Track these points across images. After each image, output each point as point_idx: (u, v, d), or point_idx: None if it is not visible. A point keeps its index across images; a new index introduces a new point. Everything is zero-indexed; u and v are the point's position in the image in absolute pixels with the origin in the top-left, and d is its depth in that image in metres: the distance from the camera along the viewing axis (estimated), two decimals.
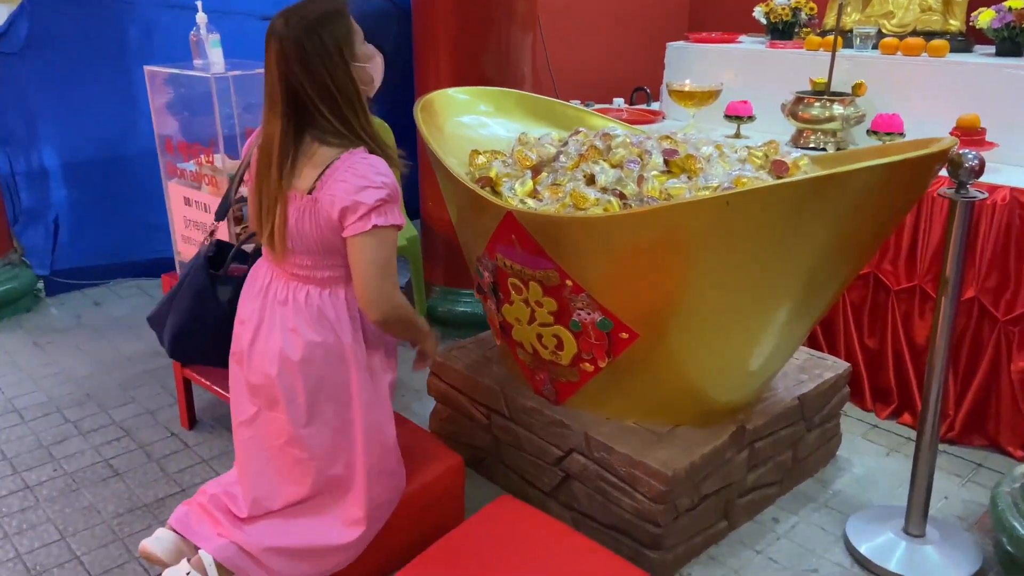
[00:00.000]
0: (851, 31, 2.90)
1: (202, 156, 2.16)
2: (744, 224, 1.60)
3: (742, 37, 3.35)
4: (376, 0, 2.94)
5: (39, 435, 2.43)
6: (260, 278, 1.66)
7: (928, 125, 2.55)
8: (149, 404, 2.61)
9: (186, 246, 2.34)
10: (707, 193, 1.78)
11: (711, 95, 3.01)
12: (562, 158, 2.07)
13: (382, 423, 1.68)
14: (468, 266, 2.17)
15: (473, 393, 2.21)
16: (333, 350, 1.59)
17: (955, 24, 2.79)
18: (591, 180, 1.94)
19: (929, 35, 2.79)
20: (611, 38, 3.91)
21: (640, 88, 3.74)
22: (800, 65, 2.92)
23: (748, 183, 1.79)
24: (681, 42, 3.33)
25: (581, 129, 2.28)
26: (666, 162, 1.95)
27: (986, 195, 1.68)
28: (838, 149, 2.71)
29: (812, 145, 2.74)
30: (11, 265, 3.30)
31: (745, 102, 2.92)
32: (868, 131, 2.64)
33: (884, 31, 2.88)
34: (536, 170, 2.08)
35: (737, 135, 2.96)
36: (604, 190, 1.87)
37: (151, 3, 3.26)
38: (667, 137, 2.04)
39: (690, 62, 3.25)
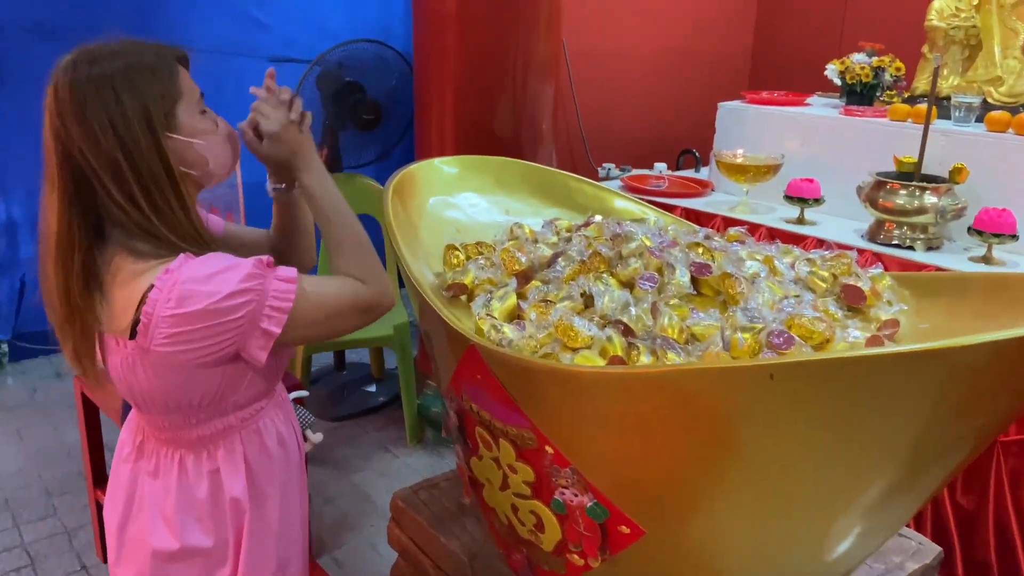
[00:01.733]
0: (949, 99, 2.35)
1: None
2: (800, 399, 1.08)
3: (811, 98, 2.82)
4: (371, 45, 2.54)
5: None
6: (128, 440, 1.22)
7: None
8: (69, 520, 2.19)
9: None
10: (748, 337, 1.27)
11: (769, 170, 2.49)
12: (560, 263, 1.58)
13: None
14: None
15: (437, 556, 1.71)
16: (216, 559, 1.15)
17: None
18: (590, 301, 1.44)
19: None
20: (657, 91, 3.42)
21: (688, 151, 3.24)
22: (883, 138, 2.38)
23: (808, 328, 1.27)
24: (736, 102, 2.82)
25: (595, 218, 1.80)
26: (694, 280, 1.44)
27: None
28: (929, 248, 2.15)
29: (896, 242, 2.19)
30: None
31: (811, 180, 2.39)
32: (969, 229, 2.08)
33: (990, 101, 2.32)
34: (524, 278, 1.60)
35: (800, 220, 2.42)
36: (604, 320, 1.37)
37: None
38: (699, 245, 1.54)
39: (745, 126, 2.74)
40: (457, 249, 1.70)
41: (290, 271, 1.08)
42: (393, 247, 1.60)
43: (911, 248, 2.17)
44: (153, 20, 3.09)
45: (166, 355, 1.02)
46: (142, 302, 1.00)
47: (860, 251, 1.77)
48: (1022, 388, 1.12)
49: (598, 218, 1.82)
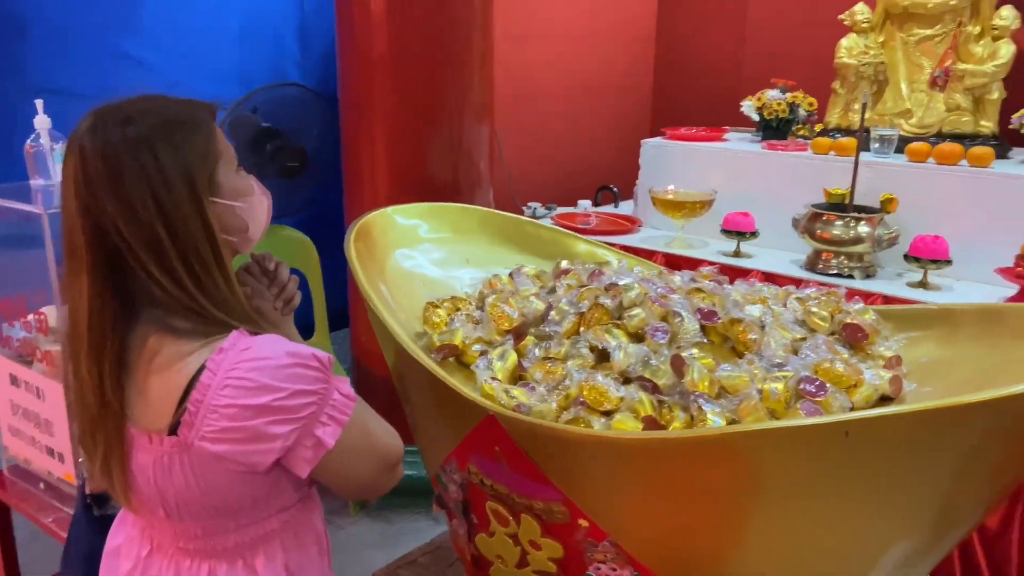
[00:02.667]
0: (867, 132, 2.47)
1: (32, 317, 1.50)
2: (865, 456, 1.04)
3: (728, 133, 2.90)
4: (290, 89, 2.38)
5: None
6: (129, 554, 1.03)
7: (980, 251, 2.10)
8: None
9: (16, 441, 1.64)
10: (780, 388, 1.23)
11: (703, 205, 2.52)
12: (553, 316, 1.50)
13: None
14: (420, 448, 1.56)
15: None
16: None
17: (988, 126, 2.39)
18: (602, 356, 1.36)
19: (957, 138, 2.37)
20: (571, 130, 3.43)
21: (606, 187, 3.25)
22: (807, 171, 2.47)
23: (837, 373, 1.25)
24: (657, 139, 2.86)
25: (565, 264, 1.73)
26: (702, 327, 1.40)
27: None
28: (867, 276, 2.23)
29: (834, 271, 2.26)
30: None
31: (746, 214, 2.44)
32: (906, 256, 2.17)
33: (903, 133, 2.46)
34: (518, 334, 1.50)
35: (737, 253, 2.46)
36: (624, 376, 1.29)
37: None
38: (699, 291, 1.50)
39: (669, 163, 2.77)
40: (438, 307, 1.59)
41: (348, 386, 0.97)
42: (370, 308, 1.47)
43: (850, 276, 2.24)
44: (15, 59, 2.74)
45: (212, 453, 0.86)
46: (189, 388, 0.86)
47: (804, 281, 1.79)
48: None
49: (566, 263, 1.75)
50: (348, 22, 2.29)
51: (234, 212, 0.96)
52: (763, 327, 1.38)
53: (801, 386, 1.24)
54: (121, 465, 0.92)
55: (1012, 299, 1.93)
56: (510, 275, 1.71)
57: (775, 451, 1.05)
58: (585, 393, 1.25)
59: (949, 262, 2.11)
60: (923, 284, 2.15)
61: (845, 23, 2.59)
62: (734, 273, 1.80)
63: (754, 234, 2.43)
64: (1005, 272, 2.00)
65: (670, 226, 2.70)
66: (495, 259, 1.92)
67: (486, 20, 2.27)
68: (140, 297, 0.91)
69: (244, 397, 0.86)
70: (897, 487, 1.12)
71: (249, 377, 0.86)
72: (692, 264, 2.27)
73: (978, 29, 2.40)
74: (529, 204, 3.00)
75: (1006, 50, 2.34)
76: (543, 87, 3.23)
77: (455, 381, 1.34)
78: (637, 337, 1.39)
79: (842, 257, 2.26)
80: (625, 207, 3.20)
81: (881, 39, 2.55)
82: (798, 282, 1.80)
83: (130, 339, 0.91)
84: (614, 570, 1.23)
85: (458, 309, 1.63)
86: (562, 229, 2.04)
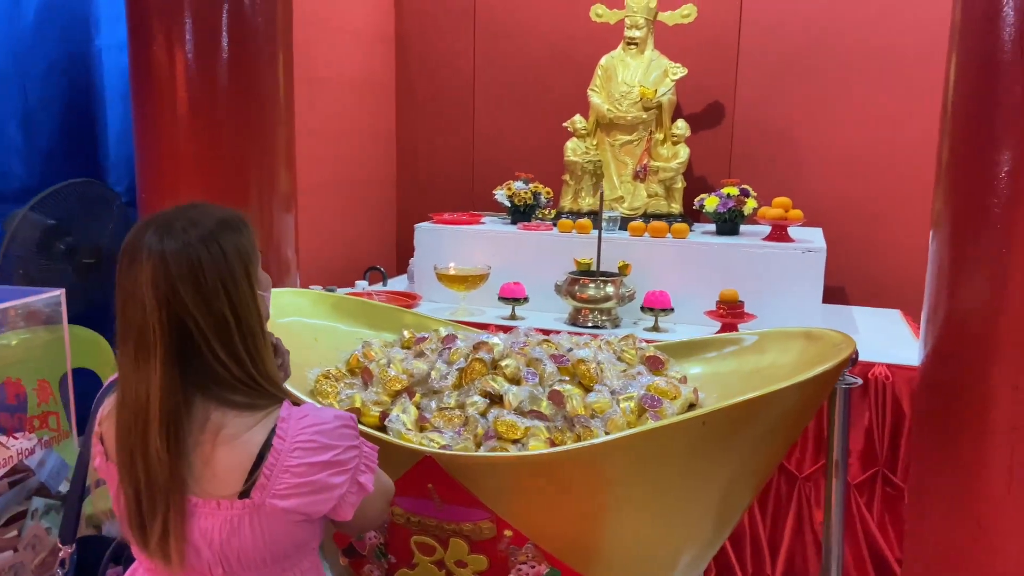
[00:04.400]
0: (590, 214, 3.13)
1: None
2: (714, 443, 1.50)
3: (484, 218, 3.40)
4: (95, 185, 2.34)
5: None
6: None
7: (692, 300, 2.80)
8: None
9: None
10: (630, 406, 1.67)
11: (482, 278, 2.95)
12: (433, 375, 1.79)
13: None
14: None
15: None
16: None
17: (676, 207, 3.18)
18: (495, 399, 1.68)
19: (659, 217, 3.12)
20: (335, 218, 3.68)
21: (374, 268, 3.54)
22: (555, 246, 3.04)
23: (663, 390, 1.72)
24: (428, 223, 3.26)
25: (419, 334, 2.02)
26: (558, 368, 1.79)
27: (860, 381, 1.84)
28: (615, 326, 2.82)
29: (591, 324, 2.82)
30: None
31: (518, 284, 2.92)
32: (642, 307, 2.80)
33: (623, 214, 3.15)
34: (410, 393, 1.76)
35: (513, 316, 2.92)
36: (520, 411, 1.63)
37: None
38: (547, 341, 1.89)
39: (440, 243, 3.18)
40: (331, 378, 1.78)
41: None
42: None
43: (604, 327, 2.82)
44: None
45: (281, 508, 1.01)
46: (261, 456, 1.00)
47: (571, 333, 2.26)
48: (807, 413, 1.71)
49: (408, 333, 2.04)
50: (147, 120, 2.35)
51: (263, 301, 1.14)
52: (599, 363, 1.81)
53: (643, 402, 1.68)
54: (179, 532, 1.02)
55: (719, 331, 2.63)
56: (381, 345, 1.95)
57: (662, 443, 1.46)
58: (499, 427, 1.57)
59: (672, 310, 2.78)
60: (655, 328, 2.80)
61: (568, 129, 3.26)
62: (509, 332, 2.15)
63: (526, 299, 2.92)
64: (711, 314, 2.71)
65: (447, 298, 3.09)
66: (340, 334, 2.14)
67: (289, 115, 2.48)
68: (201, 377, 1.05)
69: (311, 456, 1.04)
70: (706, 478, 1.58)
71: (314, 439, 1.05)
72: (479, 328, 2.67)
73: (662, 136, 3.20)
74: (311, 286, 3.17)
75: (684, 152, 3.16)
76: (304, 177, 3.46)
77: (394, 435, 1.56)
78: (514, 381, 1.74)
79: (596, 312, 2.83)
80: (393, 284, 3.53)
81: (595, 142, 3.25)
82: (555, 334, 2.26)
83: (193, 416, 1.04)
84: (533, 567, 1.55)
85: (337, 380, 1.84)
86: (394, 307, 2.32)
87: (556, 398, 1.66)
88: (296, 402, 1.11)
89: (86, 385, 2.32)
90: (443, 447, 1.53)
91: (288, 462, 1.03)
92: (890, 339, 2.78)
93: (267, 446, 1.03)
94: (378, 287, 3.45)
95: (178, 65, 2.27)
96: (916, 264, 3.13)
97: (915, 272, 3.15)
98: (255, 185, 2.41)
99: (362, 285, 3.28)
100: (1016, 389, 1.63)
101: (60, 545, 1.35)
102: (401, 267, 4.02)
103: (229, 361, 1.04)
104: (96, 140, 2.77)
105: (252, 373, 1.06)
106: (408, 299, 3.10)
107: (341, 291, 3.22)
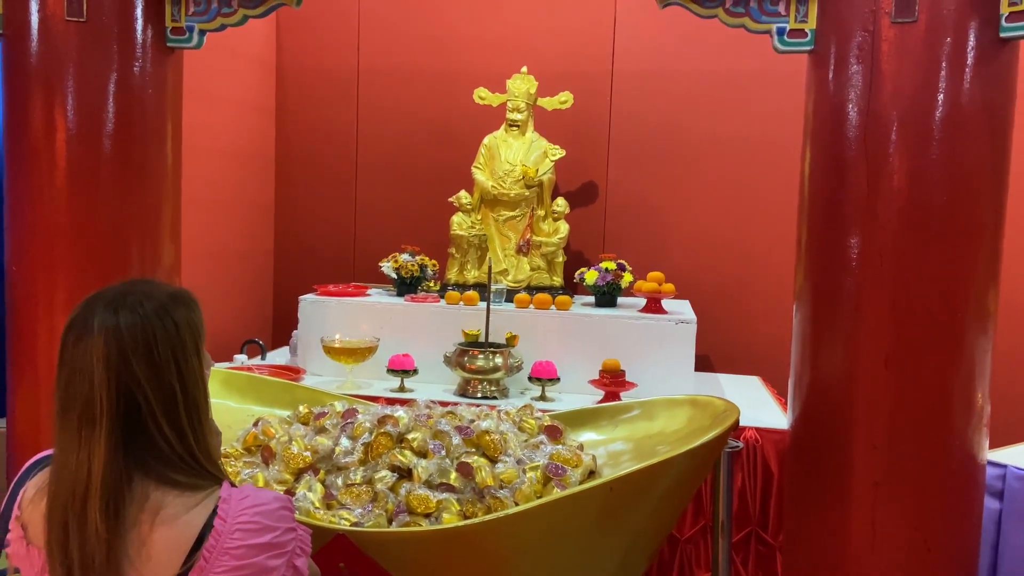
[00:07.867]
0: (475, 286, 3.22)
1: None
2: (620, 509, 1.58)
3: (370, 290, 3.40)
4: None
5: None
6: None
7: (576, 369, 2.92)
8: None
9: None
10: (536, 475, 1.72)
11: (370, 350, 2.94)
12: (337, 451, 1.77)
13: None
14: None
15: None
16: None
17: (558, 280, 3.32)
18: (404, 473, 1.69)
19: (542, 289, 3.25)
20: (209, 293, 3.56)
21: (252, 341, 3.44)
22: (442, 317, 3.09)
23: (565, 457, 1.79)
24: (312, 295, 3.22)
25: (316, 409, 2.00)
26: (464, 441, 1.82)
27: (742, 445, 1.99)
28: (504, 396, 2.88)
29: (480, 394, 2.87)
30: None
31: (407, 355, 2.93)
32: (530, 377, 2.89)
33: (508, 286, 3.25)
34: (314, 470, 1.73)
35: (402, 388, 2.92)
36: (430, 485, 1.65)
37: None
38: (452, 413, 1.93)
39: (325, 315, 3.15)
40: (229, 457, 1.73)
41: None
42: None
43: (493, 397, 2.87)
44: None
45: None
46: (201, 537, 0.99)
47: (460, 404, 2.29)
48: (700, 475, 1.83)
49: (304, 408, 2.02)
50: (20, 189, 2.24)
51: (205, 377, 1.12)
52: (503, 434, 1.87)
53: (548, 470, 1.74)
54: None
55: (602, 401, 2.74)
56: (278, 422, 1.91)
57: (571, 510, 1.52)
58: (412, 501, 1.58)
59: (558, 379, 2.88)
60: (543, 397, 2.88)
61: (454, 204, 3.36)
62: (404, 404, 2.17)
63: (416, 371, 2.93)
64: (595, 383, 2.83)
65: (333, 371, 3.05)
66: (230, 411, 2.08)
67: (176, 187, 2.42)
68: (143, 454, 1.03)
69: (251, 537, 1.02)
70: (610, 545, 1.66)
71: (255, 520, 1.03)
72: (369, 401, 2.65)
73: (543, 212, 3.37)
74: None
75: (564, 228, 3.33)
76: (188, 251, 3.35)
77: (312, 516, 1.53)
78: (421, 453, 1.76)
79: (485, 383, 2.88)
80: (272, 357, 3.44)
81: (479, 217, 3.36)
82: (456, 406, 2.30)
83: (133, 494, 1.01)
84: None
85: (236, 459, 1.79)
86: (286, 382, 2.28)
87: (465, 470, 1.69)
88: (234, 483, 1.09)
89: None
90: (355, 524, 1.52)
91: (228, 544, 1.01)
92: (755, 404, 3.00)
93: (207, 527, 1.01)
94: (257, 361, 3.35)
95: (59, 132, 2.18)
96: (773, 332, 3.45)
97: (772, 340, 3.46)
98: (137, 257, 2.32)
99: (241, 359, 3.19)
100: (875, 448, 1.82)
101: None
102: (278, 341, 3.92)
103: (172, 435, 1.03)
104: None
105: (193, 450, 1.05)
106: (291, 373, 3.04)
107: (220, 366, 3.10)
